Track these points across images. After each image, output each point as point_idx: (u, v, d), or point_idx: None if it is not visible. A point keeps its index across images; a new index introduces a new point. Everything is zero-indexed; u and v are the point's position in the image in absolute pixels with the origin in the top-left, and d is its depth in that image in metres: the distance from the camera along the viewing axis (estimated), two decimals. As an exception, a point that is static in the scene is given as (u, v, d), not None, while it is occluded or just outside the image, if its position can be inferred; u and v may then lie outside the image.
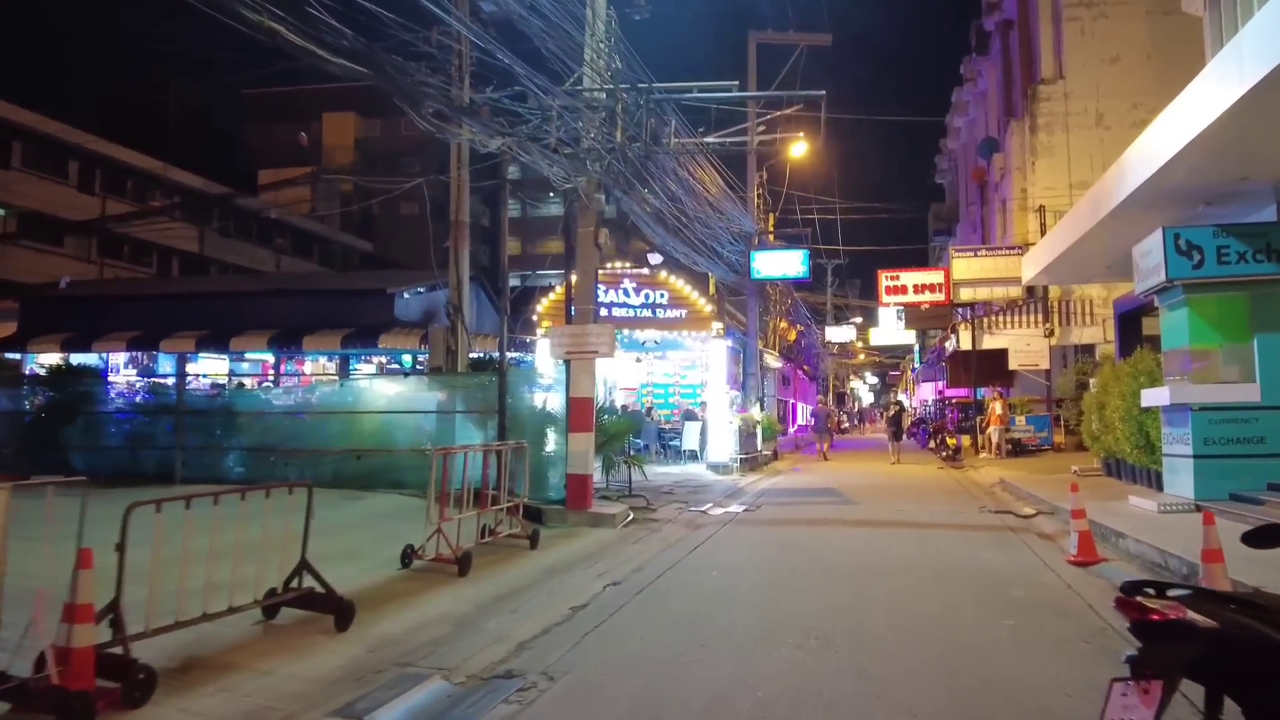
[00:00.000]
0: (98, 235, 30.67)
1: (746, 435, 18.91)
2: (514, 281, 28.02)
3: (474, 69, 10.46)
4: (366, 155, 45.32)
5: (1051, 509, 10.82)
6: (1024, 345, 22.32)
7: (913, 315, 29.36)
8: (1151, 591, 2.25)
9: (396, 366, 22.11)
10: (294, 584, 5.32)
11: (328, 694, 4.18)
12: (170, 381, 15.94)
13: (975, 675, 4.43)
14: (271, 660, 4.67)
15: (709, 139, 10.21)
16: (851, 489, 14.53)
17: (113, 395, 13.99)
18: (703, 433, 18.96)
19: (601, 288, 18.74)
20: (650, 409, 22.25)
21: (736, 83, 9.25)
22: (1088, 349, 22.55)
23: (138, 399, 13.97)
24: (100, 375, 15.55)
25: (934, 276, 23.65)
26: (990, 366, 22.86)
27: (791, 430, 33.96)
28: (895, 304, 25.03)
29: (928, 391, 43.83)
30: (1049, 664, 4.64)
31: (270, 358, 22.32)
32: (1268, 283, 9.69)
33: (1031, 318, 22.74)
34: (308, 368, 24.54)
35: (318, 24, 5.89)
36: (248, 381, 22.11)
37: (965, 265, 22.26)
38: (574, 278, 10.65)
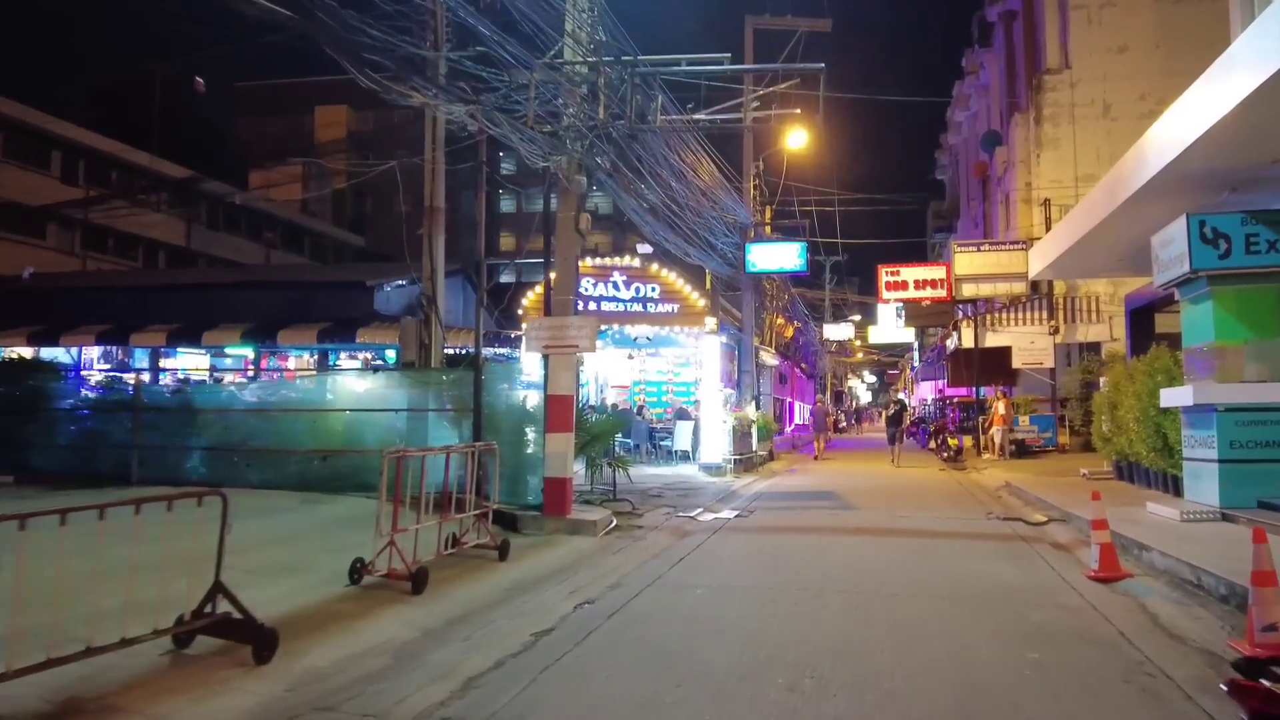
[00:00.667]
0: (80, 228, 29.98)
1: (741, 435, 18.14)
2: (508, 277, 27.27)
3: (451, 42, 9.71)
4: (359, 148, 44.64)
5: (1063, 515, 10.14)
6: (1028, 343, 21.77)
7: (913, 312, 28.76)
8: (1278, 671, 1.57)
9: (380, 362, 21.34)
10: (208, 608, 4.62)
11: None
12: (132, 377, 15.21)
13: (999, 727, 3.73)
14: (167, 702, 3.97)
15: (700, 115, 9.44)
16: (850, 492, 13.83)
17: (70, 391, 13.25)
18: (695, 432, 18.20)
19: (590, 281, 18.05)
20: (642, 407, 21.52)
21: (729, 55, 8.54)
22: (1093, 347, 21.96)
23: (94, 395, 13.23)
24: (59, 370, 14.76)
25: (935, 272, 23.00)
26: (993, 365, 22.33)
27: (789, 429, 33.25)
28: (895, 300, 24.36)
29: (927, 390, 43.20)
30: (1085, 712, 3.93)
31: (250, 353, 21.53)
32: (1301, 274, 9.01)
33: (1035, 315, 22.15)
34: (291, 363, 23.72)
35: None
36: (229, 378, 21.31)
37: (968, 260, 21.66)
38: (554, 271, 9.94)
